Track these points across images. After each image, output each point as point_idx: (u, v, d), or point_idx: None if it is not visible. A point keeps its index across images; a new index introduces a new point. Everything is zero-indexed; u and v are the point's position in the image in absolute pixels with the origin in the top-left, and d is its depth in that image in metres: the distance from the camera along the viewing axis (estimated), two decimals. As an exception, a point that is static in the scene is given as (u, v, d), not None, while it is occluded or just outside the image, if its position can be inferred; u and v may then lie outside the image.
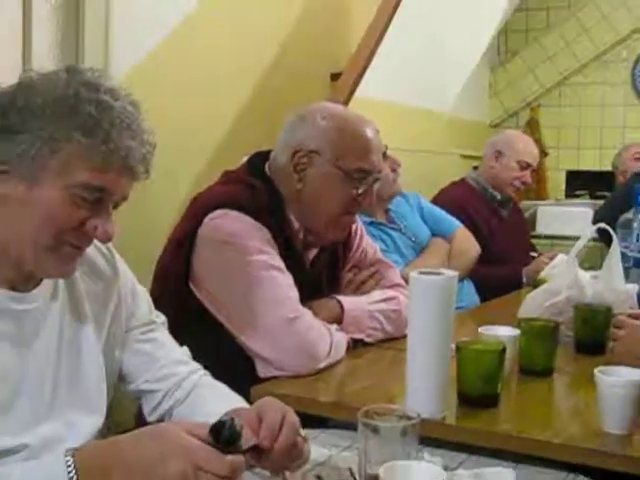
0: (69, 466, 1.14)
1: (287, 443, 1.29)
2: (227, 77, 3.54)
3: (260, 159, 2.20)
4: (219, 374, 1.68)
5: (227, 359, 1.82)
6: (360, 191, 2.09)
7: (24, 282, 1.44)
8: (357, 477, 1.23)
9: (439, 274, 1.59)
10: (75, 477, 1.13)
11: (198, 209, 2.07)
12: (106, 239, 1.40)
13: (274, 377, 1.92)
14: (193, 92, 3.31)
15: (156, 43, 3.22)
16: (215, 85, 3.47)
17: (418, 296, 1.59)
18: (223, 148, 3.55)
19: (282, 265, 2.00)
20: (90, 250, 1.48)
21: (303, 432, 1.37)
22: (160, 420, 1.62)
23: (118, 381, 1.63)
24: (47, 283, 1.48)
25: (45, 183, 1.32)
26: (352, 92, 3.91)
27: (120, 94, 1.37)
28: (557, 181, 6.47)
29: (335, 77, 4.21)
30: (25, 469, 1.21)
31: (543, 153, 5.69)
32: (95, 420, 1.52)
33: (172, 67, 3.23)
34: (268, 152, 2.20)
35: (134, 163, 1.35)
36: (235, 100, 3.67)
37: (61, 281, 1.50)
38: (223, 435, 1.17)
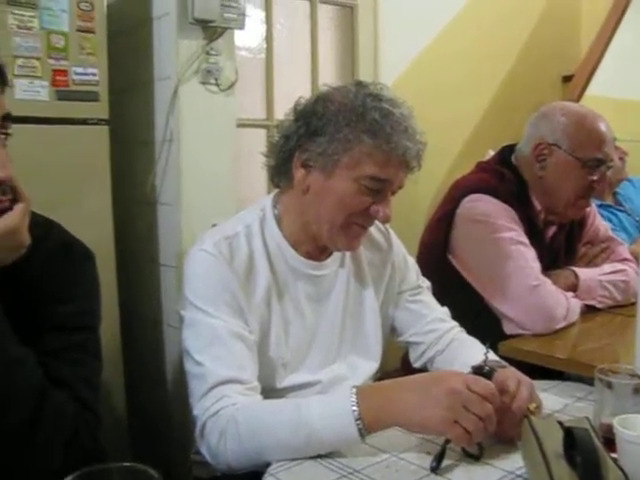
0: (352, 395, 1.18)
1: (521, 407, 1.23)
2: (473, 82, 3.50)
3: (508, 151, 2.15)
4: (471, 330, 1.67)
5: (478, 318, 1.80)
6: (595, 178, 1.99)
7: (319, 254, 1.51)
8: (593, 425, 1.18)
9: (669, 251, 1.48)
10: (356, 401, 1.17)
11: (456, 193, 2.06)
12: (386, 220, 1.43)
13: (518, 335, 1.88)
14: (444, 97, 3.30)
15: (412, 59, 3.25)
16: (463, 89, 3.44)
17: (650, 270, 1.50)
18: (469, 142, 3.51)
19: (526, 240, 1.95)
20: (370, 228, 1.51)
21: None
22: (423, 366, 1.64)
23: (390, 334, 1.67)
24: (336, 254, 1.54)
25: (338, 176, 1.37)
26: (583, 91, 3.72)
27: (398, 102, 1.39)
28: None
29: (566, 79, 4.02)
30: (320, 397, 1.27)
31: None
32: (372, 365, 1.57)
33: (426, 77, 3.24)
34: (514, 145, 2.15)
35: (410, 159, 1.36)
36: (479, 102, 3.62)
37: (347, 253, 1.56)
38: (484, 371, 1.20)
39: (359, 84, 1.42)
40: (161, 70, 2.30)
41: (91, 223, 1.97)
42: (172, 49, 2.22)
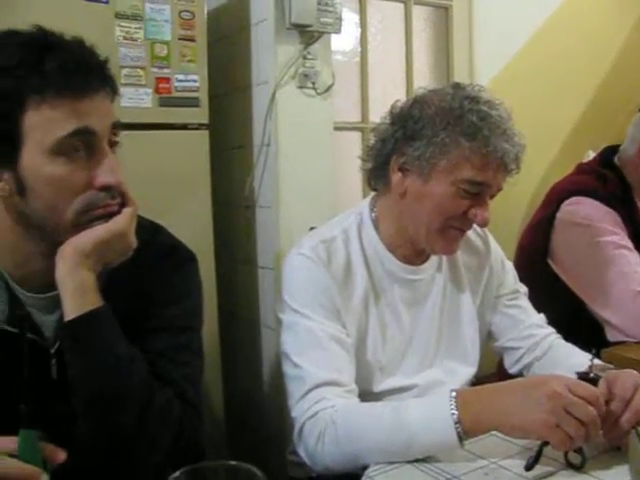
0: (452, 398, 1.15)
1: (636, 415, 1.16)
2: (571, 81, 3.39)
3: (610, 152, 2.08)
4: (570, 337, 1.61)
5: (578, 325, 1.75)
6: None
7: (416, 258, 1.50)
8: None
9: None
10: (455, 405, 1.14)
11: (556, 196, 2.01)
12: (484, 224, 1.41)
13: (621, 342, 1.82)
14: (542, 96, 3.22)
15: (509, 58, 3.18)
16: (561, 89, 3.34)
17: None
18: (568, 144, 3.41)
19: (630, 244, 1.89)
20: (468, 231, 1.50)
21: None
22: (519, 372, 1.60)
23: (486, 339, 1.63)
24: (433, 258, 1.52)
25: (436, 179, 1.36)
26: (689, 88, 3.54)
27: (495, 104, 1.36)
28: None
29: (671, 76, 3.85)
30: (419, 401, 1.26)
31: None
32: (469, 370, 1.55)
33: (523, 77, 3.16)
34: (617, 146, 2.08)
35: (508, 162, 1.34)
36: (578, 101, 3.51)
37: (444, 256, 1.54)
38: (589, 377, 1.17)
39: (456, 86, 1.40)
40: (259, 75, 2.34)
41: (192, 226, 2.02)
42: (270, 54, 2.25)
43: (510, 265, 1.66)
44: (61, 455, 0.95)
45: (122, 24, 2.00)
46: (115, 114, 1.12)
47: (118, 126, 1.12)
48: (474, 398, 1.17)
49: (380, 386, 1.44)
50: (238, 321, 2.54)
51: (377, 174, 1.47)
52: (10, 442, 0.94)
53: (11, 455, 0.92)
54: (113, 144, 1.12)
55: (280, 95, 2.23)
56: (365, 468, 1.18)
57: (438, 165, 1.34)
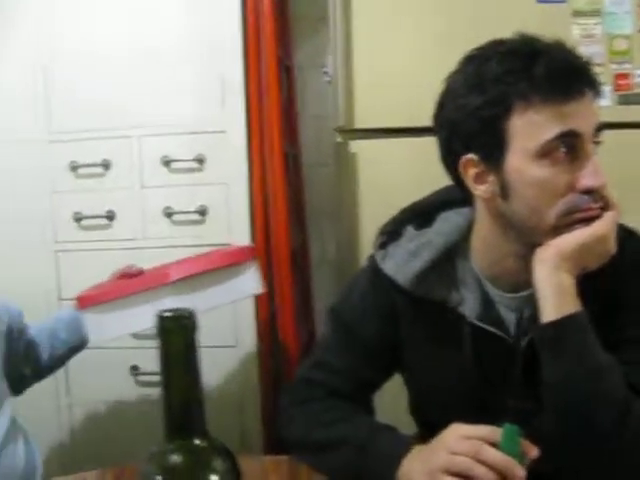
0: None
1: None
2: None
3: None
4: None
5: None
6: None
7: None
8: None
9: None
10: None
11: None
12: None
13: None
14: None
15: None
16: None
17: None
18: None
19: None
20: None
21: None
22: None
23: None
24: None
25: None
26: None
27: None
28: None
29: None
30: None
31: None
32: None
33: None
34: None
35: None
36: None
37: None
38: None
39: None
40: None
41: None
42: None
43: None
44: (535, 451, 0.98)
45: (579, 21, 1.95)
46: (598, 116, 1.10)
47: (600, 128, 1.10)
48: None
49: None
50: None
51: None
52: (492, 432, 0.99)
53: (491, 444, 0.97)
54: (595, 146, 1.10)
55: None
56: None
57: None
